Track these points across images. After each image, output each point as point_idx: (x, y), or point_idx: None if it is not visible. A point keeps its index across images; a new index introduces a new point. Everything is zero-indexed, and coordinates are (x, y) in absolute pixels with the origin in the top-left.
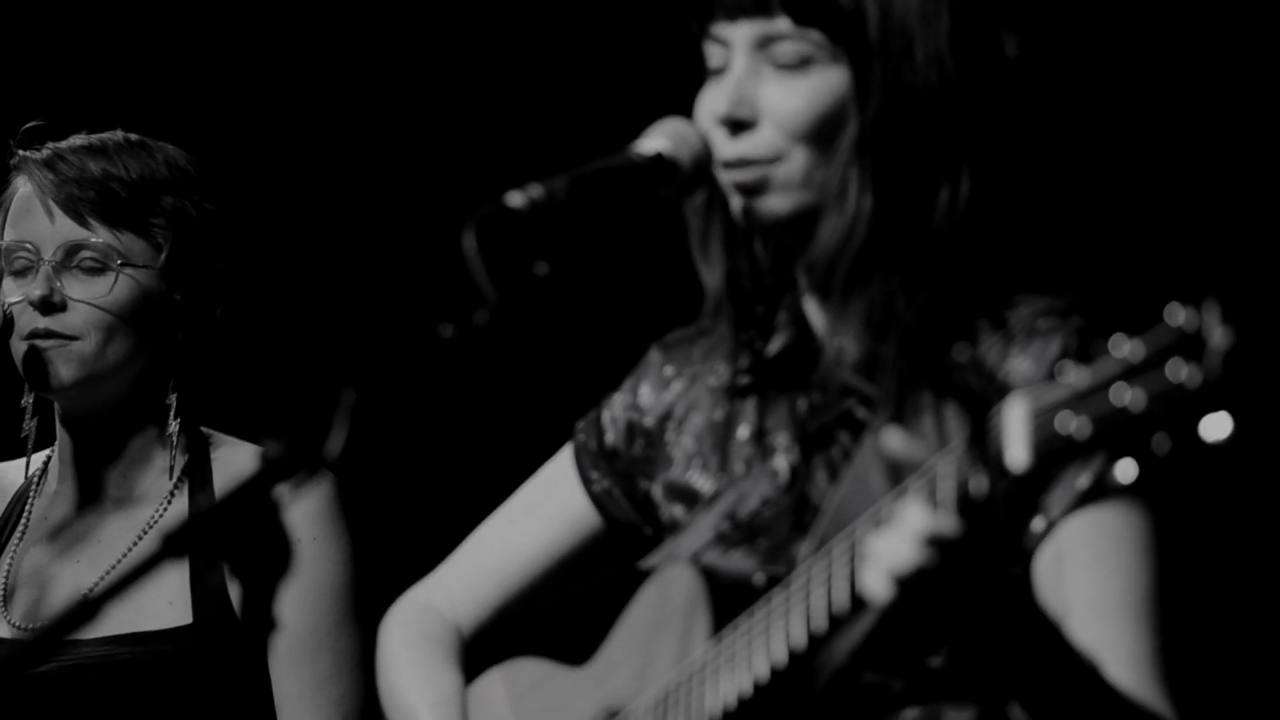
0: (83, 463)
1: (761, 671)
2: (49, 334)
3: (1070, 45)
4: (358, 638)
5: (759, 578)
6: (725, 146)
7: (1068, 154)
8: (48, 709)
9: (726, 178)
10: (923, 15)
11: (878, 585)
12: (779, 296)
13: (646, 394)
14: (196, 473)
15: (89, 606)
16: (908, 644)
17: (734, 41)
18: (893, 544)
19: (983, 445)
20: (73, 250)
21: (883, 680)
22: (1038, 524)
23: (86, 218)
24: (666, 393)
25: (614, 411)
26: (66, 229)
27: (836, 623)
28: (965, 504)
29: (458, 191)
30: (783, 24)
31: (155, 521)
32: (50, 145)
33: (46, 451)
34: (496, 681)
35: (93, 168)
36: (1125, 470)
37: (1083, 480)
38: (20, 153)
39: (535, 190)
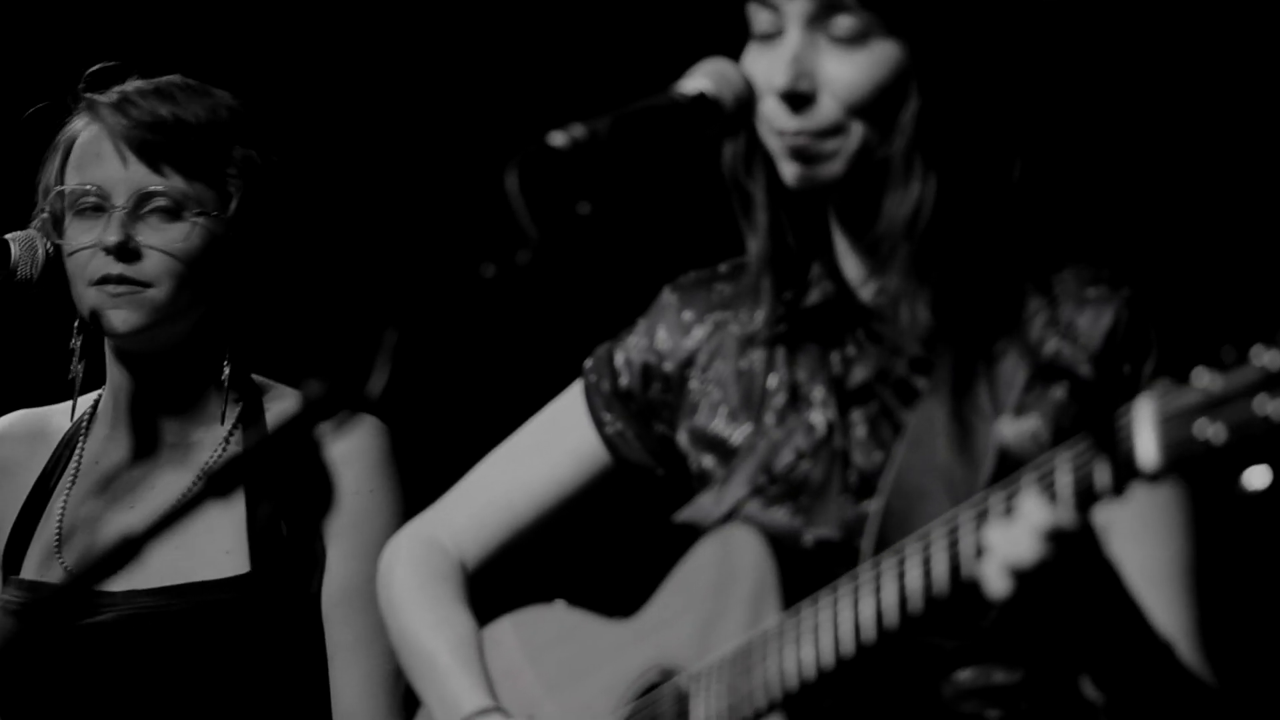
0: (137, 408)
1: (848, 647)
2: (122, 280)
3: (1126, 21)
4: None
5: (808, 539)
6: (783, 118)
7: (1119, 120)
8: (105, 660)
9: (778, 143)
10: None
11: (997, 580)
12: (816, 249)
13: (664, 337)
14: (251, 420)
15: (131, 545)
16: (963, 609)
17: (788, 11)
18: (1012, 538)
19: (1112, 443)
20: (147, 196)
21: (936, 640)
22: None
23: (160, 164)
24: (687, 339)
25: (628, 354)
26: (140, 175)
27: (933, 605)
28: (1087, 500)
29: (501, 131)
30: None
31: (208, 469)
32: (116, 89)
33: (94, 395)
34: (508, 630)
35: (164, 112)
36: (1258, 477)
37: None
38: (88, 95)
39: (578, 130)
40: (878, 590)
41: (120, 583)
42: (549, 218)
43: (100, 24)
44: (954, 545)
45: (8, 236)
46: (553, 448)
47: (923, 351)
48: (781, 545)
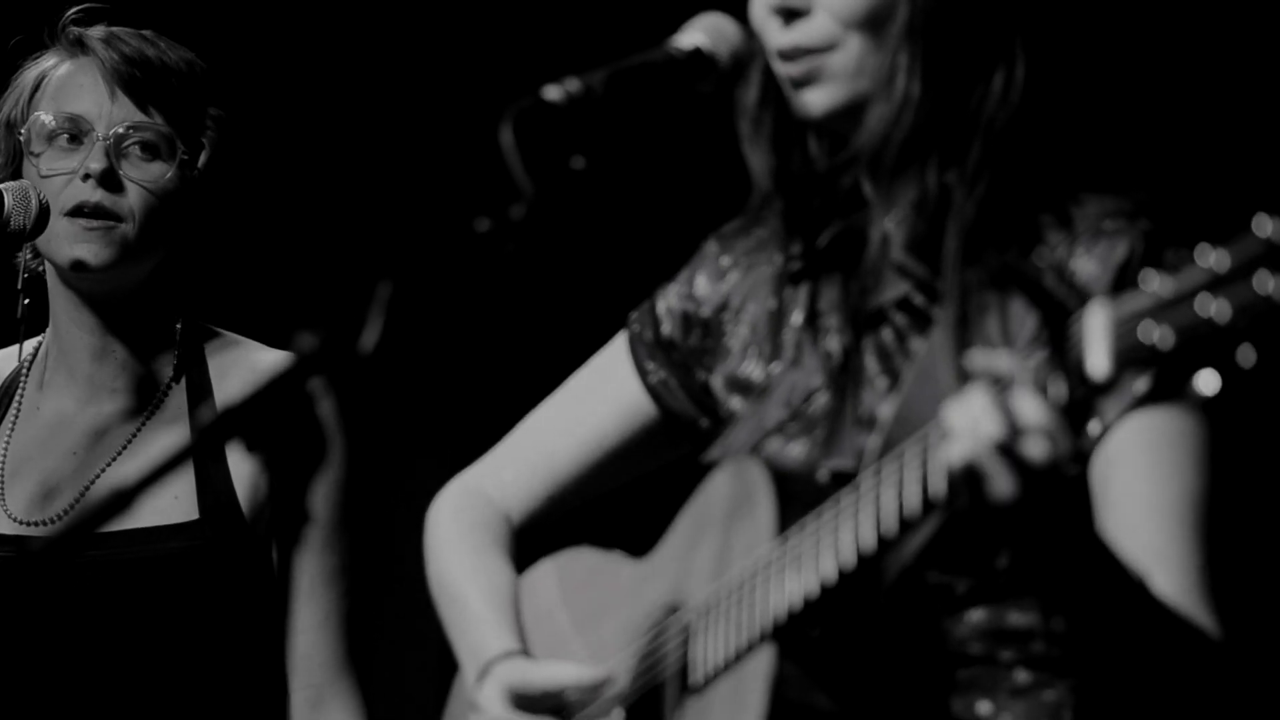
0: (81, 352)
1: (829, 572)
2: (98, 211)
3: None
4: (344, 548)
5: (822, 473)
6: (779, 35)
7: (1136, 52)
8: (58, 606)
9: (782, 70)
10: None
11: (951, 483)
12: (834, 184)
13: (703, 284)
14: (193, 367)
15: (122, 498)
16: (972, 544)
17: None
18: (969, 444)
19: (1063, 351)
20: (131, 130)
21: (948, 580)
22: (1093, 427)
23: (146, 102)
24: (723, 283)
25: (669, 302)
26: (127, 109)
27: (906, 526)
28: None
29: (494, 85)
30: None
31: (151, 413)
32: (102, 27)
33: (35, 340)
34: (549, 572)
35: (150, 53)
36: (1207, 381)
37: (1140, 384)
38: (75, 29)
39: (572, 84)
40: (856, 514)
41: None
42: (543, 172)
43: None
44: (924, 461)
45: (1, 186)
46: (597, 398)
47: (922, 270)
48: (795, 478)
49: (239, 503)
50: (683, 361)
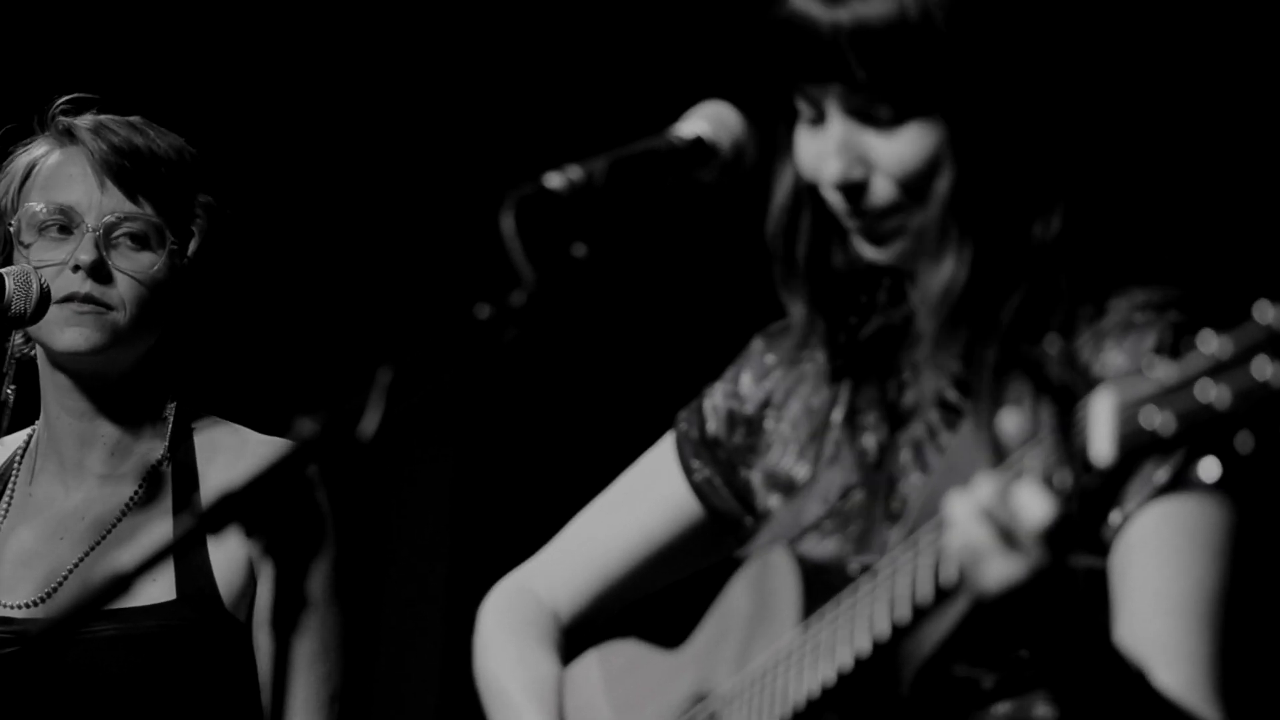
0: (69, 438)
1: (845, 660)
2: (89, 299)
3: (1163, 52)
4: (341, 618)
5: (854, 568)
6: (843, 206)
7: (1166, 151)
8: (31, 684)
9: (847, 222)
10: (1009, 62)
11: (956, 568)
12: (878, 279)
13: (747, 382)
14: (181, 451)
15: (122, 581)
16: (995, 636)
17: (827, 102)
18: (971, 527)
19: (1068, 438)
20: (120, 222)
21: (974, 674)
22: (1114, 517)
23: (135, 192)
24: (766, 380)
25: (715, 400)
26: (115, 200)
27: (920, 613)
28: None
29: (496, 170)
30: (864, 85)
31: (136, 497)
32: (90, 116)
33: (26, 431)
34: (593, 664)
35: (139, 142)
36: (1208, 469)
37: (1161, 474)
38: (64, 120)
39: (574, 171)
40: (873, 602)
41: (50, 605)
42: (545, 259)
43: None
44: (937, 549)
45: (2, 271)
46: (644, 497)
47: (961, 370)
48: (827, 573)
49: (217, 585)
50: (727, 459)
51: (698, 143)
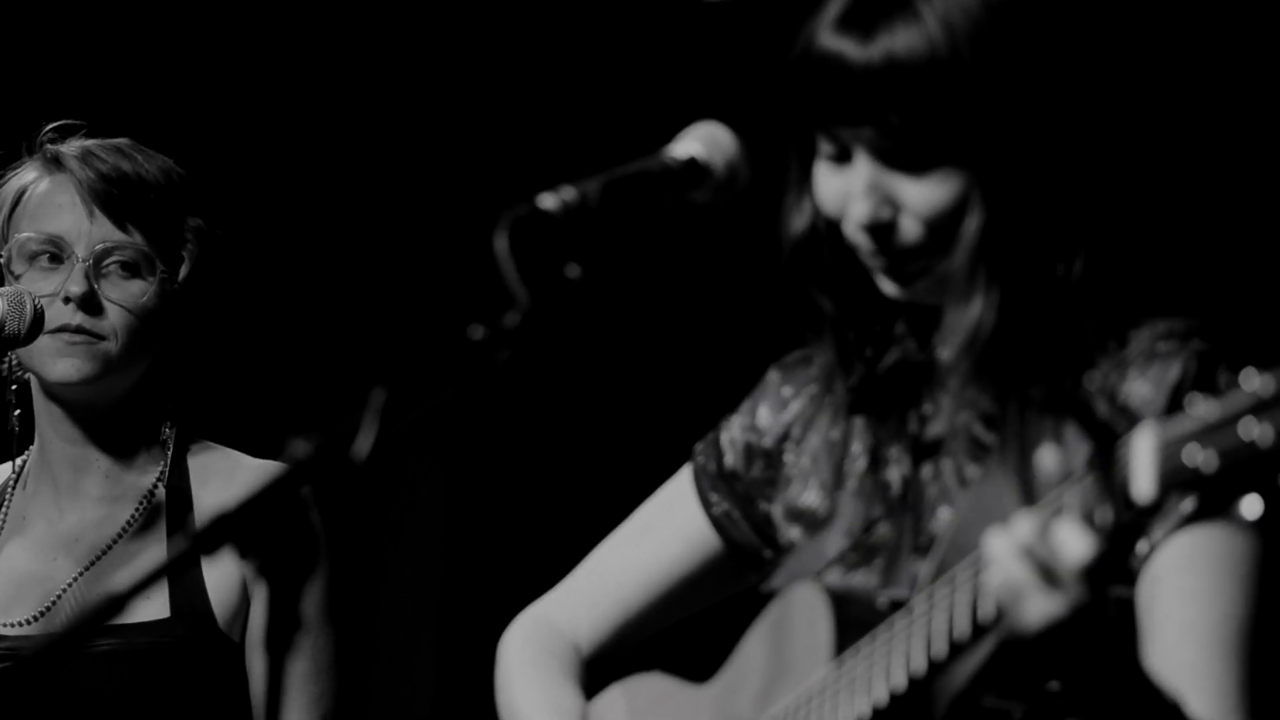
0: (62, 462)
1: (880, 696)
2: (80, 330)
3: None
4: (334, 639)
5: (882, 601)
6: (869, 245)
7: (1191, 180)
8: (25, 699)
9: (873, 263)
10: (1035, 98)
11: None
12: (895, 312)
13: (765, 415)
14: (175, 475)
15: (117, 601)
16: (1027, 669)
17: (855, 144)
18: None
19: (1109, 475)
20: (110, 251)
21: (1003, 705)
22: (1141, 546)
23: (124, 220)
24: (784, 413)
25: (732, 433)
26: (105, 229)
27: (957, 649)
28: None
29: (490, 192)
30: (896, 127)
31: (132, 521)
32: (76, 143)
33: (21, 456)
34: (617, 698)
35: (126, 168)
36: (1251, 506)
37: (1187, 504)
38: (51, 147)
39: (568, 192)
40: (909, 638)
41: (44, 624)
42: (538, 280)
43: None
44: (975, 585)
45: None
46: (662, 530)
47: (994, 408)
48: (856, 607)
49: (210, 604)
50: (745, 493)
51: (691, 164)
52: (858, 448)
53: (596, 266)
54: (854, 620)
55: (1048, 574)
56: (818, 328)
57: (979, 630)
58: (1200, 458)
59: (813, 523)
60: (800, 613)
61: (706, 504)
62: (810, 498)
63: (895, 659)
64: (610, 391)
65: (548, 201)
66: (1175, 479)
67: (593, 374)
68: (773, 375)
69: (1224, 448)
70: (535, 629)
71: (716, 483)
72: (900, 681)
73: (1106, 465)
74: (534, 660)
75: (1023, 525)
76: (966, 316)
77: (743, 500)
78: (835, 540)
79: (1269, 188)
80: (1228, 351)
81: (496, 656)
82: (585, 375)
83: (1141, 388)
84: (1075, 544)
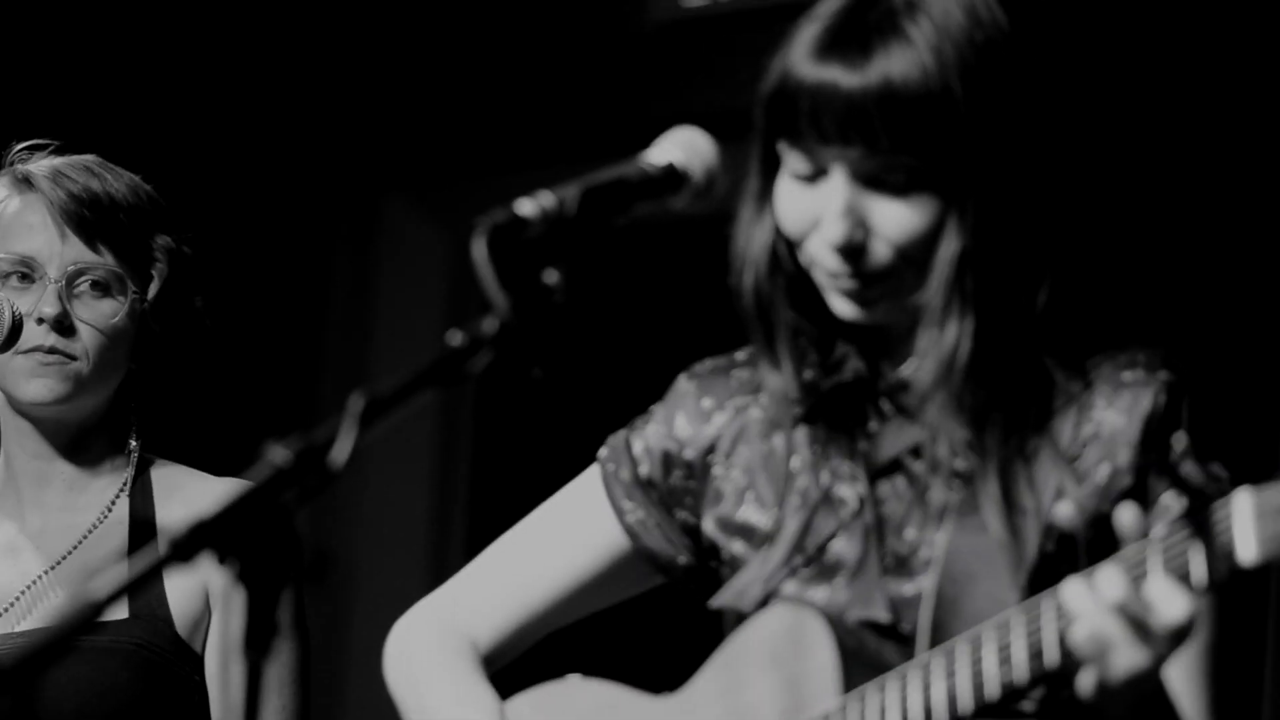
0: (27, 477)
1: None
2: (53, 351)
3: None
4: (298, 649)
5: (851, 620)
6: (835, 263)
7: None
8: None
9: (830, 283)
10: (1016, 131)
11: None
12: (838, 330)
13: (684, 425)
14: (137, 488)
15: (97, 607)
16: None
17: (831, 164)
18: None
19: (1208, 536)
20: (82, 271)
21: (1015, 709)
22: None
23: (95, 240)
24: (708, 425)
25: (647, 442)
26: (76, 249)
27: (1010, 692)
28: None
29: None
30: (884, 151)
31: (94, 529)
32: (45, 162)
33: None
34: (526, 709)
35: (96, 188)
36: None
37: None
38: (21, 166)
39: (546, 198)
40: (950, 676)
41: (5, 624)
42: (516, 286)
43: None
44: (1036, 632)
45: None
46: (570, 535)
47: (967, 433)
48: (843, 633)
49: (169, 608)
50: (661, 500)
51: (670, 170)
52: (797, 463)
53: (575, 272)
54: (850, 648)
55: (1140, 629)
56: (762, 343)
57: (1037, 677)
58: None
59: (754, 538)
60: (798, 634)
61: (619, 511)
62: (749, 513)
63: (936, 697)
64: (588, 392)
65: (525, 208)
66: (1276, 546)
67: (573, 375)
68: (686, 384)
69: None
70: (436, 626)
71: (631, 490)
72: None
73: (1204, 525)
74: (444, 659)
75: (1112, 580)
76: (942, 343)
77: (659, 508)
78: (789, 557)
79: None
80: (1191, 383)
81: (388, 653)
82: (567, 377)
83: (1114, 417)
84: (1173, 602)
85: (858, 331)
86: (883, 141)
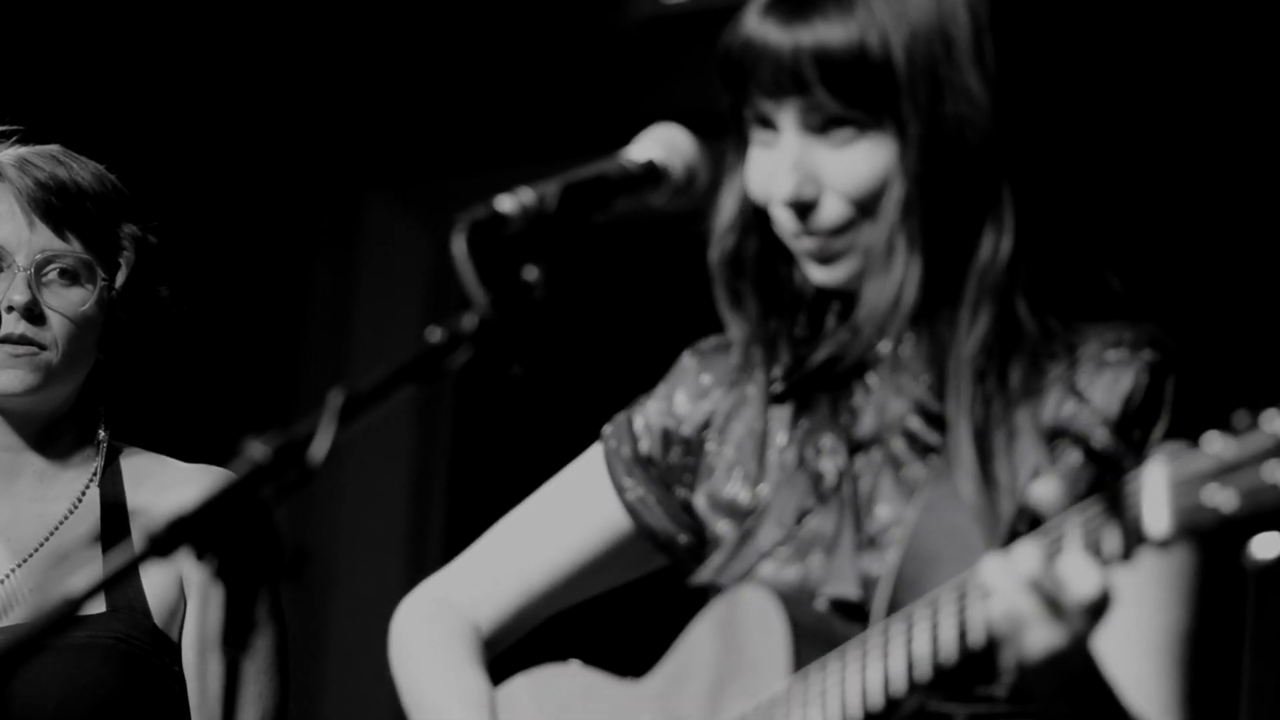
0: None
1: (855, 714)
2: (24, 340)
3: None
4: (275, 638)
5: (820, 601)
6: (792, 224)
7: (1133, 182)
8: None
9: (797, 246)
10: (957, 70)
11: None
12: (825, 303)
13: (683, 401)
14: (107, 476)
15: (75, 604)
16: (973, 674)
17: (779, 119)
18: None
19: (1120, 509)
20: (51, 259)
21: (946, 709)
22: None
23: (64, 228)
24: (705, 401)
25: (648, 418)
26: (45, 238)
27: (940, 672)
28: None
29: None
30: (825, 100)
31: (66, 519)
32: (10, 150)
33: None
34: (522, 690)
35: (63, 176)
36: (1267, 545)
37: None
38: None
39: (525, 195)
40: (885, 656)
41: None
42: (496, 282)
43: None
44: (962, 610)
45: None
46: (572, 514)
47: (937, 405)
48: (794, 606)
49: (147, 601)
50: (661, 478)
51: (650, 166)
52: (782, 438)
53: (555, 268)
54: (808, 628)
55: (1053, 606)
56: (741, 317)
57: (966, 656)
58: (1220, 497)
59: (738, 514)
60: (751, 616)
61: (620, 489)
62: (734, 489)
63: (872, 677)
64: (573, 390)
65: (505, 204)
66: (1193, 518)
67: (555, 373)
68: (689, 361)
69: (1245, 489)
70: (435, 608)
71: (631, 467)
72: (877, 701)
73: (1116, 498)
74: (437, 642)
75: (1026, 556)
76: (886, 287)
77: (658, 485)
78: (767, 533)
79: (1214, 196)
80: (1176, 363)
81: (391, 633)
82: (549, 374)
83: (1094, 396)
84: (1084, 578)
85: (844, 306)
86: (818, 91)
